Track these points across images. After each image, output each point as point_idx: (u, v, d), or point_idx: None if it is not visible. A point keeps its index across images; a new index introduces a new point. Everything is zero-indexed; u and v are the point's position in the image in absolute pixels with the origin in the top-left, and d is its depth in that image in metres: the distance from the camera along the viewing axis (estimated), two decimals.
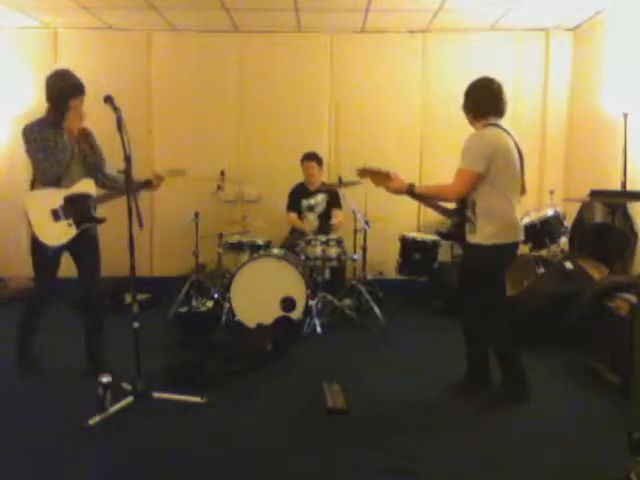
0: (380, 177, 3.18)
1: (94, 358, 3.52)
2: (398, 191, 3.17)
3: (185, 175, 3.75)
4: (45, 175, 3.31)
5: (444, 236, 3.56)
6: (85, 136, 3.45)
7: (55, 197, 3.31)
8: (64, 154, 3.29)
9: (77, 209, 3.35)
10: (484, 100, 3.09)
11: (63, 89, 3.31)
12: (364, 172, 3.20)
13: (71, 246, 3.40)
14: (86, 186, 3.41)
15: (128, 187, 3.01)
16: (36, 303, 3.57)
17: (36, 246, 3.36)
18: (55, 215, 3.30)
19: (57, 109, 3.32)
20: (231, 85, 5.82)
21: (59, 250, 3.38)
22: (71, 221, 3.33)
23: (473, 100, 3.12)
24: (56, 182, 3.32)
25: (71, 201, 3.33)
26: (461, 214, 3.17)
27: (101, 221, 3.49)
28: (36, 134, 3.27)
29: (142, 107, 5.73)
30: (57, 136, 3.29)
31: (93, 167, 3.48)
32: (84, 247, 3.46)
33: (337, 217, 5.25)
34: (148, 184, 3.57)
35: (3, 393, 3.28)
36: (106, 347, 3.59)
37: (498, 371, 3.23)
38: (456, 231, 3.23)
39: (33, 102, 5.60)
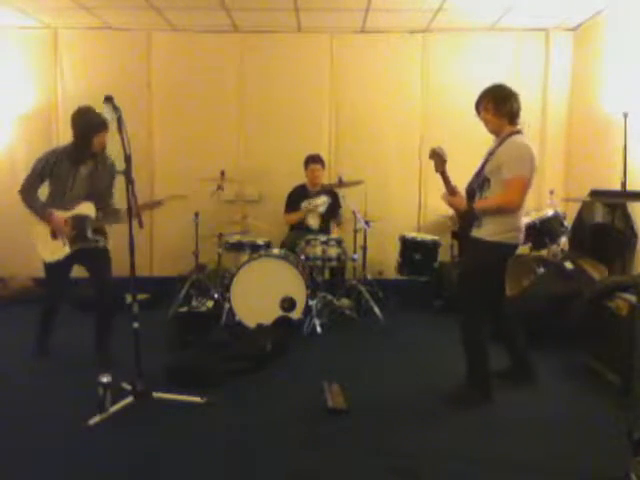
0: (440, 162, 3.16)
1: (103, 356, 3.69)
2: (456, 207, 3.21)
3: (186, 199, 3.99)
4: (51, 198, 3.63)
5: (455, 235, 3.56)
6: (104, 164, 3.67)
7: None
8: (71, 186, 3.58)
9: (72, 231, 3.60)
10: (514, 107, 3.13)
11: (86, 127, 3.52)
12: (434, 155, 3.17)
13: (81, 259, 3.68)
14: (86, 208, 3.62)
15: (129, 189, 3.01)
16: (48, 304, 3.82)
17: None
18: (53, 234, 3.61)
19: (80, 146, 3.56)
20: (231, 85, 5.81)
21: (60, 263, 3.62)
22: (66, 241, 3.61)
23: (507, 106, 3.12)
24: (61, 203, 3.58)
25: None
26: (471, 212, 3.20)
27: (93, 241, 3.66)
28: (52, 165, 3.54)
29: (142, 107, 5.73)
30: (71, 170, 3.58)
31: (101, 194, 3.69)
32: (94, 258, 3.70)
33: (335, 231, 5.36)
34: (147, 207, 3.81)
35: (3, 393, 3.28)
36: (112, 347, 3.76)
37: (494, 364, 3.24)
38: (465, 230, 3.27)
39: (33, 102, 5.63)
